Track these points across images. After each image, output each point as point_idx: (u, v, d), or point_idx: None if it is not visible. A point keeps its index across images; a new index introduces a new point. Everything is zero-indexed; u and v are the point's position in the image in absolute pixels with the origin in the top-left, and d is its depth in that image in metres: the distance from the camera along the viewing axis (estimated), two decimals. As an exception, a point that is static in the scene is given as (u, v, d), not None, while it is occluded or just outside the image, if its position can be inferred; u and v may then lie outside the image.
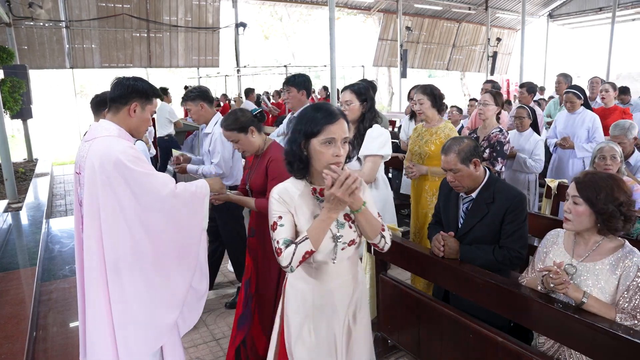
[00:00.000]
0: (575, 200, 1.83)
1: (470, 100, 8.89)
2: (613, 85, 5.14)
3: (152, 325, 2.05)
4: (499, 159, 3.46)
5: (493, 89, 4.14)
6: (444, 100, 3.42)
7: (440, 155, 2.99)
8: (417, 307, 2.46)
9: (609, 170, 2.79)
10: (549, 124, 5.62)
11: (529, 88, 5.49)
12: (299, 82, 3.57)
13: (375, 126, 2.98)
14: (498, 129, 3.51)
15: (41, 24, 10.97)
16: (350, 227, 1.67)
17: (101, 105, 2.91)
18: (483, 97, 3.58)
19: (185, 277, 2.15)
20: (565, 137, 4.47)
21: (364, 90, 2.95)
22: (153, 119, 7.74)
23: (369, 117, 2.96)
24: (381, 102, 22.69)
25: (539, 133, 4.19)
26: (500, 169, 3.48)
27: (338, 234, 1.64)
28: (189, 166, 3.46)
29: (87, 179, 1.91)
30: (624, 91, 6.30)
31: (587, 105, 4.55)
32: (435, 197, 3.12)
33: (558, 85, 5.75)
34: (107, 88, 2.11)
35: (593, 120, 4.40)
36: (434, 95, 3.23)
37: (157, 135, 7.36)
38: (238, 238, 3.51)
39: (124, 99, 2.01)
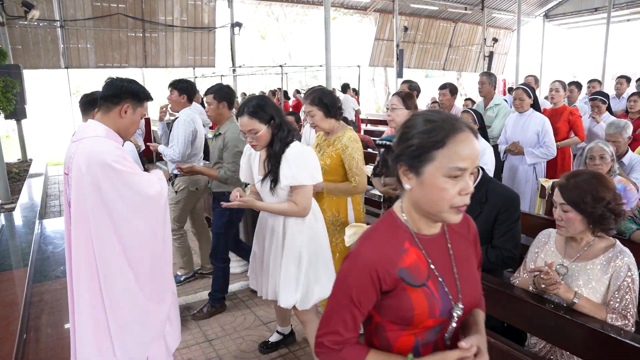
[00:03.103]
0: (564, 208, 1.81)
1: (466, 100, 8.93)
2: (563, 84, 4.69)
3: (142, 326, 2.04)
4: None
5: (402, 91, 3.53)
6: (340, 104, 2.88)
7: (337, 169, 2.80)
8: (409, 308, 2.44)
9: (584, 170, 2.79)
10: None
11: (452, 89, 4.90)
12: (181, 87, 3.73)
13: (295, 145, 2.33)
14: None
15: (35, 23, 10.90)
16: None
17: (90, 105, 2.90)
18: (391, 101, 3.13)
19: (171, 272, 2.20)
20: (514, 142, 4.17)
21: (265, 108, 2.30)
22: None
23: (280, 137, 2.31)
24: (378, 102, 22.70)
25: (487, 139, 3.73)
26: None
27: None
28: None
29: (74, 180, 1.90)
30: (578, 86, 5.62)
31: (536, 106, 4.22)
32: (338, 218, 2.86)
33: (481, 86, 4.96)
34: (102, 88, 2.10)
35: (543, 123, 4.08)
36: (326, 105, 2.72)
37: None
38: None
39: (116, 98, 2.00)
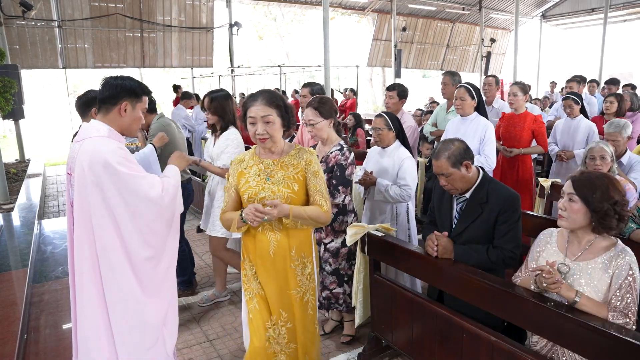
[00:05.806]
0: (571, 198, 1.85)
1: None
2: (522, 87, 4.18)
3: (144, 325, 2.05)
4: (339, 187, 2.66)
5: (314, 100, 2.82)
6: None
7: (304, 197, 2.18)
8: (411, 307, 2.46)
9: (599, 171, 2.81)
10: (434, 134, 4.63)
11: (400, 92, 3.99)
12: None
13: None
14: (338, 147, 2.72)
15: (33, 23, 10.87)
16: None
17: (86, 105, 2.88)
18: (306, 115, 2.77)
19: (173, 272, 2.19)
20: None
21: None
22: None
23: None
24: (376, 102, 22.73)
25: (408, 148, 3.12)
26: (343, 200, 2.70)
27: None
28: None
29: (77, 180, 1.90)
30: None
31: (481, 110, 3.69)
32: (303, 259, 2.15)
33: (444, 86, 4.37)
34: (98, 90, 2.09)
35: (485, 129, 3.56)
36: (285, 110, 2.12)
37: None
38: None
39: (114, 99, 2.00)
